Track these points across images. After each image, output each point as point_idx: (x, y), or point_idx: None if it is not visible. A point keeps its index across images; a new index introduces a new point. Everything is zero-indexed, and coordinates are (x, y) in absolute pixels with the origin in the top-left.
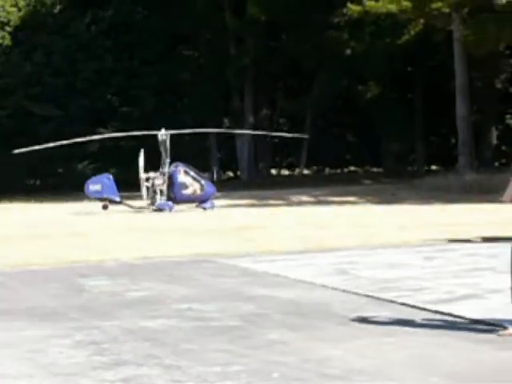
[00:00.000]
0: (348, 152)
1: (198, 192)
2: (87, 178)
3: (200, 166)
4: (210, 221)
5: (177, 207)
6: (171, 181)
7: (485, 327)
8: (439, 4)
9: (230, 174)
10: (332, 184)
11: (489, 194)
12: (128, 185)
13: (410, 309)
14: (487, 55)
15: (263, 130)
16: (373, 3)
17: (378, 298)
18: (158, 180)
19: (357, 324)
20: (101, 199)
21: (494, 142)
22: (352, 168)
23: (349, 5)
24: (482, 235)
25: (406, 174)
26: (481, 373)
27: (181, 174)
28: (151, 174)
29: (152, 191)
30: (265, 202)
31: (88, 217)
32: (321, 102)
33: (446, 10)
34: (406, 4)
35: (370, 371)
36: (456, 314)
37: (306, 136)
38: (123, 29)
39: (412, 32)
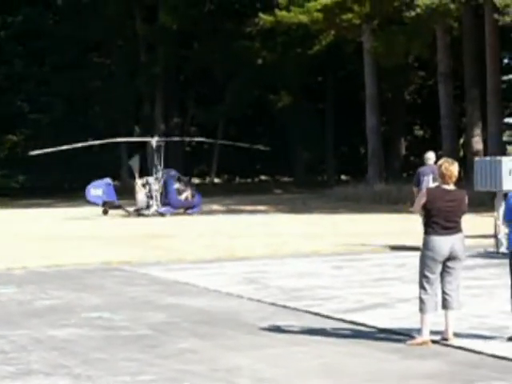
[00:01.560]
0: (259, 161)
1: (190, 198)
2: None
3: (110, 174)
4: (121, 229)
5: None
6: (166, 186)
7: (393, 336)
8: (350, 15)
9: None
10: (243, 193)
11: (397, 204)
12: (42, 191)
13: (320, 318)
14: (396, 67)
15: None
16: (284, 13)
17: (289, 307)
18: (155, 185)
19: (267, 333)
20: (102, 204)
21: (403, 152)
22: (263, 177)
23: (260, 15)
24: (390, 244)
25: (316, 184)
26: (388, 381)
27: (175, 181)
28: (150, 180)
29: (148, 196)
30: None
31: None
32: (232, 111)
33: (357, 22)
34: (317, 15)
35: (280, 380)
36: (365, 323)
37: (267, 148)
38: (34, 34)
39: (323, 42)
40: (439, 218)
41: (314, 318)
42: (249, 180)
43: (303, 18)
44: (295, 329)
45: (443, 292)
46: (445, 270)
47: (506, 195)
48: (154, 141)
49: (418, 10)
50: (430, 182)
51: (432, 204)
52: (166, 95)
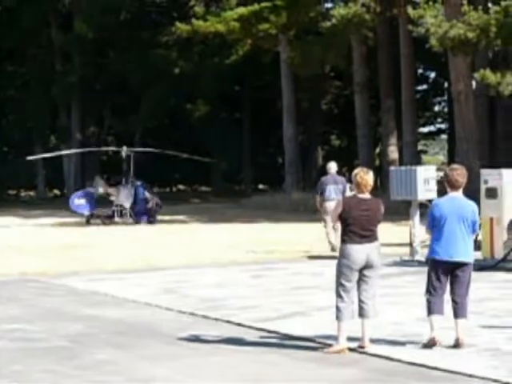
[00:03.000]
0: (176, 171)
1: (155, 207)
2: None
3: (25, 182)
4: (38, 239)
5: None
6: (136, 195)
7: (310, 344)
8: (266, 25)
9: (57, 192)
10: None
11: (315, 213)
12: None
13: (237, 327)
14: (313, 77)
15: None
16: (201, 23)
17: (206, 317)
18: (126, 194)
19: (184, 343)
20: (84, 214)
21: (320, 162)
22: (181, 187)
23: (177, 24)
24: (307, 253)
25: (234, 193)
26: None
27: (144, 190)
28: (121, 188)
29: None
30: (92, 220)
31: None
32: (149, 121)
33: (273, 32)
34: (234, 24)
35: None
36: (283, 331)
37: (213, 160)
38: None
39: (240, 52)
40: (355, 227)
41: (232, 327)
42: (167, 189)
43: (220, 28)
44: (213, 338)
45: (360, 300)
46: (361, 279)
47: (421, 204)
48: (123, 151)
49: (334, 21)
50: (347, 192)
51: (348, 213)
52: (82, 104)
